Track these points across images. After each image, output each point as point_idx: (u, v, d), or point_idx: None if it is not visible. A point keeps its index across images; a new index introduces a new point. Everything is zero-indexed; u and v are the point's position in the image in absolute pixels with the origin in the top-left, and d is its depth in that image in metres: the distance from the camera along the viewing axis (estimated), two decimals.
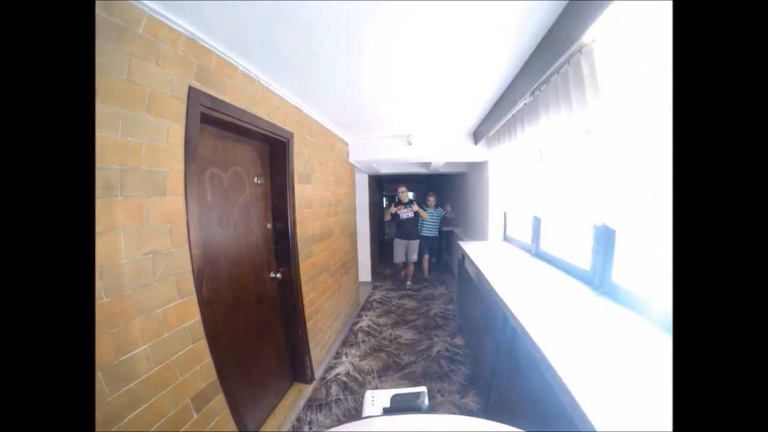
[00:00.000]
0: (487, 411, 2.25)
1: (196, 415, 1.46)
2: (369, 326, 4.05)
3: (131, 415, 1.16)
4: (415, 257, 5.67)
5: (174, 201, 1.39)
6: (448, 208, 5.87)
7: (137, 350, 1.20)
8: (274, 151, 2.41)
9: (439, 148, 4.07)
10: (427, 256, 5.94)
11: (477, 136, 3.80)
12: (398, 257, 5.68)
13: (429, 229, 5.81)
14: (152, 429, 1.24)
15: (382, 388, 2.71)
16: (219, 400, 1.61)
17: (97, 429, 1.06)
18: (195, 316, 1.48)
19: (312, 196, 2.95)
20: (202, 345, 1.52)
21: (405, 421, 0.59)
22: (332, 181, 3.58)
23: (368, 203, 6.07)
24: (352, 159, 4.25)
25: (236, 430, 1.73)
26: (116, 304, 1.15)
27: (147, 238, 1.26)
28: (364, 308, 4.71)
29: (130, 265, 1.19)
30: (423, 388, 0.74)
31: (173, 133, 1.38)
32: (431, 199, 5.78)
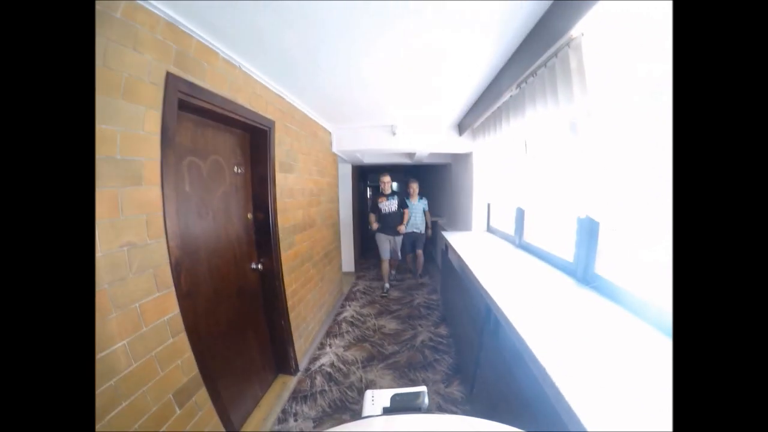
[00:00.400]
0: (471, 401, 2.29)
1: (179, 411, 1.42)
2: (353, 316, 4.06)
3: (113, 413, 1.13)
4: (399, 255, 5.20)
5: (150, 191, 1.33)
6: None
7: (116, 346, 1.16)
8: (255, 140, 2.35)
9: (423, 138, 4.07)
10: (420, 252, 5.45)
11: (462, 127, 3.81)
12: (384, 253, 5.02)
13: (413, 223, 5.18)
14: (135, 427, 1.21)
15: (366, 378, 2.73)
16: (202, 395, 1.58)
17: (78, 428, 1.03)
18: (174, 310, 1.44)
19: (294, 186, 2.90)
20: (182, 339, 1.48)
21: (405, 420, 0.59)
22: (315, 170, 3.53)
23: (351, 193, 6.03)
24: (335, 149, 4.20)
25: (220, 424, 1.71)
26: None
27: (122, 230, 1.21)
28: (347, 298, 4.71)
29: (104, 259, 1.14)
30: (423, 388, 0.74)
31: (150, 120, 1.32)
32: (414, 187, 5.17)
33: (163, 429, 1.34)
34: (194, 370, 1.54)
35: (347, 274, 5.92)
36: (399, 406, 0.69)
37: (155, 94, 1.35)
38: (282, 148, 2.62)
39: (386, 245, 4.97)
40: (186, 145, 1.71)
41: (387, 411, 0.68)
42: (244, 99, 2.03)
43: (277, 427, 2.17)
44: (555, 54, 1.48)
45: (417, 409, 0.70)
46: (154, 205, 1.35)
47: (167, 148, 1.39)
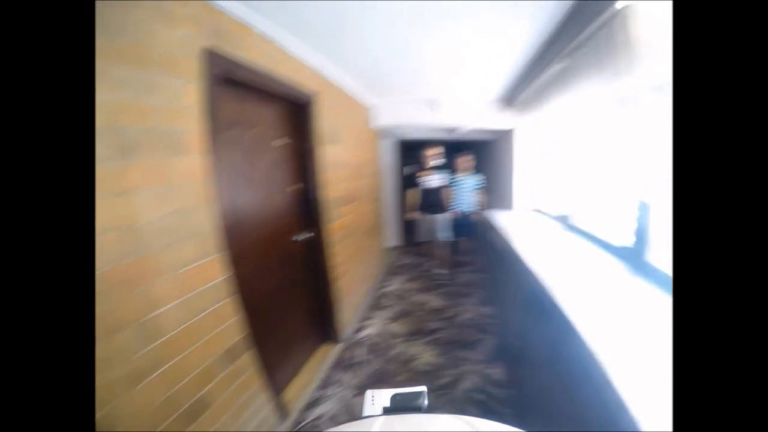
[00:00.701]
0: (512, 385, 2.23)
1: (222, 373, 1.51)
2: (396, 291, 4.08)
3: (157, 372, 1.21)
4: (446, 236, 4.43)
5: (195, 161, 1.39)
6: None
7: (164, 308, 1.24)
8: (297, 112, 2.38)
9: (465, 113, 3.92)
10: (468, 235, 4.66)
11: (506, 102, 3.63)
12: (423, 235, 4.47)
13: (463, 201, 4.40)
14: (182, 383, 1.29)
15: (408, 352, 2.74)
16: (246, 359, 1.66)
17: (122, 386, 1.12)
18: (222, 275, 1.51)
19: (336, 159, 2.91)
20: (230, 303, 1.55)
21: (405, 420, 0.59)
22: (355, 144, 3.52)
23: (392, 169, 5.98)
24: (375, 124, 4.16)
25: (262, 387, 1.79)
26: (141, 263, 1.18)
27: (169, 198, 1.28)
28: (391, 273, 4.74)
29: (153, 225, 1.21)
30: (423, 388, 0.74)
31: (190, 94, 1.37)
32: (464, 161, 4.41)
33: (206, 390, 1.42)
34: (240, 334, 1.62)
35: (391, 249, 5.93)
36: (399, 406, 0.69)
37: (195, 68, 1.39)
38: (323, 121, 2.63)
39: (427, 226, 4.42)
40: (227, 118, 1.75)
41: (387, 411, 0.68)
42: (283, 72, 2.05)
43: (317, 393, 2.26)
44: (607, 23, 1.32)
45: (417, 409, 0.69)
46: (199, 175, 1.41)
47: (209, 120, 1.44)
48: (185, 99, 1.35)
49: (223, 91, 1.67)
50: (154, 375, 1.21)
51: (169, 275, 1.27)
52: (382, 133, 4.91)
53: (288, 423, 2.04)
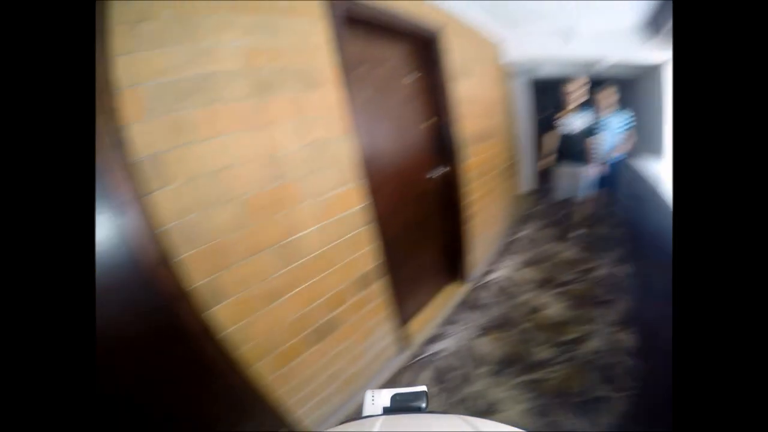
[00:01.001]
0: (643, 356, 1.94)
1: (353, 298, 1.63)
2: (529, 237, 3.84)
3: (292, 292, 1.35)
4: (587, 193, 3.51)
5: (328, 95, 1.45)
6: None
7: (304, 232, 1.36)
8: (424, 48, 2.28)
9: (605, 44, 3.36)
10: (606, 189, 3.66)
11: (652, 31, 2.96)
12: (563, 192, 3.64)
13: (608, 146, 3.41)
14: (314, 304, 1.43)
15: (535, 302, 2.60)
16: (377, 287, 1.75)
17: (258, 303, 1.28)
18: (361, 203, 1.60)
19: (468, 94, 2.74)
20: (367, 231, 1.64)
21: (405, 420, 0.58)
22: (486, 81, 3.26)
23: (525, 111, 5.42)
24: (504, 60, 3.77)
25: (389, 317, 1.89)
26: (284, 189, 1.30)
27: (308, 129, 1.37)
28: (524, 219, 4.45)
29: (293, 155, 1.32)
30: (423, 388, 0.67)
31: (317, 33, 1.41)
32: (606, 96, 3.43)
33: (336, 312, 1.55)
34: (374, 262, 1.71)
35: (526, 194, 5.49)
36: (399, 406, 0.65)
37: (320, 9, 1.41)
38: (452, 56, 2.48)
39: (568, 180, 3.55)
40: (355, 56, 1.74)
41: (387, 411, 0.65)
42: (407, 8, 1.96)
43: (440, 330, 2.31)
44: None
45: (417, 409, 0.65)
46: (334, 108, 1.47)
47: (338, 56, 1.48)
48: (313, 38, 1.39)
49: (348, 30, 1.67)
50: (290, 294, 1.36)
51: (309, 202, 1.38)
52: (512, 71, 4.45)
53: (407, 355, 2.14)
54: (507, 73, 4.07)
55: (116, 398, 1.49)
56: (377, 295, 1.76)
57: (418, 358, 2.15)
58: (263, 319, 1.32)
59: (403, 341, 2.09)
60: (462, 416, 0.55)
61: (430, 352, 2.20)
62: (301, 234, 1.36)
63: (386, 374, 2.01)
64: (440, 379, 2.00)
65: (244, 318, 1.27)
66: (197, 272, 1.19)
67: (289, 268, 1.34)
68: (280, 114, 1.29)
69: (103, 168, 1.10)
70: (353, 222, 1.56)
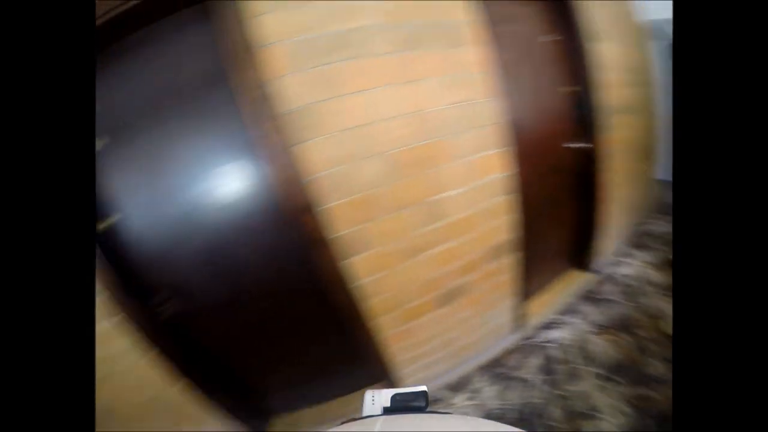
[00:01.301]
0: None
1: (484, 268, 1.55)
2: (665, 234, 3.32)
3: (433, 250, 1.32)
4: None
5: (474, 53, 1.32)
6: None
7: (449, 193, 1.31)
8: (560, 7, 1.97)
9: None
10: None
11: None
12: None
13: None
14: (448, 267, 1.39)
15: (661, 306, 2.24)
16: (507, 260, 1.64)
17: (399, 258, 1.28)
18: (505, 170, 1.48)
19: (605, 59, 2.34)
20: (507, 201, 1.52)
21: (405, 420, 0.58)
22: (624, 44, 2.72)
23: (668, 82, 4.52)
24: (643, 18, 3.11)
25: (508, 294, 1.78)
26: (429, 147, 1.25)
27: (453, 88, 1.27)
28: (662, 211, 3.84)
29: (440, 113, 1.25)
30: (423, 388, 0.64)
31: None
32: None
33: (465, 279, 1.49)
34: (511, 234, 1.59)
35: (665, 181, 4.70)
36: (399, 406, 0.65)
37: None
38: (589, 14, 2.10)
39: None
40: (497, 11, 1.59)
41: (387, 411, 0.65)
42: None
43: (556, 317, 2.15)
44: None
45: (418, 410, 0.64)
46: (479, 66, 1.34)
47: (482, 12, 1.36)
48: None
49: None
50: (426, 254, 1.33)
51: (453, 163, 1.31)
52: (654, 33, 3.69)
53: (518, 336, 2.03)
54: (647, 34, 3.36)
55: (248, 329, 1.66)
56: (507, 269, 1.65)
57: (530, 341, 2.03)
58: (397, 275, 1.32)
59: (519, 321, 1.98)
60: (462, 416, 0.55)
61: (543, 338, 2.06)
62: (444, 195, 1.31)
63: (494, 352, 1.94)
64: (547, 369, 1.88)
65: (379, 271, 1.28)
66: (341, 222, 1.21)
67: (429, 227, 1.31)
68: (426, 71, 1.23)
69: (252, 119, 1.17)
70: (494, 189, 1.45)
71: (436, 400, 1.82)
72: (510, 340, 1.99)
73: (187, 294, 1.53)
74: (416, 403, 0.67)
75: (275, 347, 1.68)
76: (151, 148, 1.35)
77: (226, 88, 1.22)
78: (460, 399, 1.84)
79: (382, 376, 1.72)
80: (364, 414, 0.65)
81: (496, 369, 1.94)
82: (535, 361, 1.94)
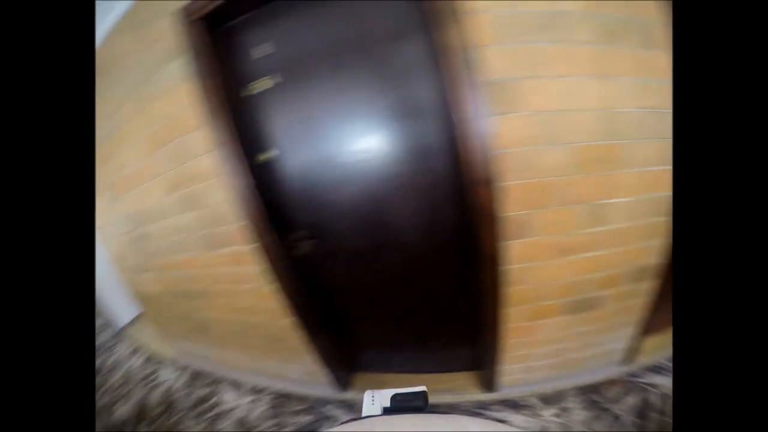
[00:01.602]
0: None
1: (622, 287, 1.47)
2: None
3: (587, 254, 1.30)
4: None
5: (664, 57, 1.23)
6: None
7: (620, 199, 1.27)
8: None
9: None
10: None
11: None
12: None
13: None
14: (592, 275, 1.36)
15: None
16: (646, 286, 1.52)
17: (554, 252, 1.28)
18: (664, 190, 1.36)
19: None
20: (665, 222, 1.39)
21: (405, 421, 0.59)
22: None
23: None
24: None
25: (638, 322, 1.68)
26: (612, 148, 1.22)
27: (645, 92, 1.22)
28: None
29: (628, 115, 1.21)
30: (423, 388, 0.68)
31: None
32: None
33: (600, 293, 1.45)
34: (657, 259, 1.46)
35: None
36: (399, 406, 0.67)
37: None
38: None
39: None
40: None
41: (387, 411, 0.66)
42: None
43: (666, 363, 2.00)
44: None
45: (417, 410, 0.66)
46: (668, 73, 1.24)
47: (673, 14, 1.24)
48: None
49: None
50: (580, 255, 1.31)
51: (632, 170, 1.26)
52: None
53: (625, 368, 1.93)
54: None
55: (376, 284, 1.72)
56: (642, 294, 1.56)
57: (634, 378, 1.92)
58: (545, 269, 1.32)
59: (631, 354, 1.88)
60: (462, 416, 0.56)
61: (647, 380, 1.93)
62: (611, 200, 1.27)
63: (597, 377, 1.85)
64: (642, 412, 1.76)
65: (530, 261, 1.29)
66: (513, 203, 1.22)
67: (588, 230, 1.28)
68: (620, 69, 1.18)
69: (449, 82, 1.18)
70: (657, 207, 1.37)
71: (526, 406, 1.80)
72: (615, 371, 1.90)
73: (326, 237, 1.63)
74: (416, 403, 0.68)
75: (395, 306, 1.75)
76: (324, 95, 1.40)
77: (420, 47, 1.25)
78: (547, 412, 1.79)
79: (480, 366, 1.72)
80: (364, 414, 0.66)
81: (593, 395, 1.86)
82: (632, 401, 1.83)
